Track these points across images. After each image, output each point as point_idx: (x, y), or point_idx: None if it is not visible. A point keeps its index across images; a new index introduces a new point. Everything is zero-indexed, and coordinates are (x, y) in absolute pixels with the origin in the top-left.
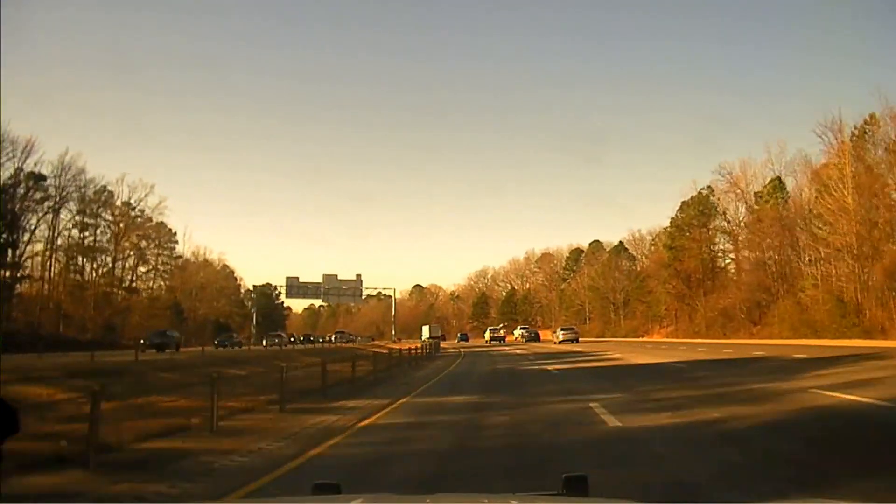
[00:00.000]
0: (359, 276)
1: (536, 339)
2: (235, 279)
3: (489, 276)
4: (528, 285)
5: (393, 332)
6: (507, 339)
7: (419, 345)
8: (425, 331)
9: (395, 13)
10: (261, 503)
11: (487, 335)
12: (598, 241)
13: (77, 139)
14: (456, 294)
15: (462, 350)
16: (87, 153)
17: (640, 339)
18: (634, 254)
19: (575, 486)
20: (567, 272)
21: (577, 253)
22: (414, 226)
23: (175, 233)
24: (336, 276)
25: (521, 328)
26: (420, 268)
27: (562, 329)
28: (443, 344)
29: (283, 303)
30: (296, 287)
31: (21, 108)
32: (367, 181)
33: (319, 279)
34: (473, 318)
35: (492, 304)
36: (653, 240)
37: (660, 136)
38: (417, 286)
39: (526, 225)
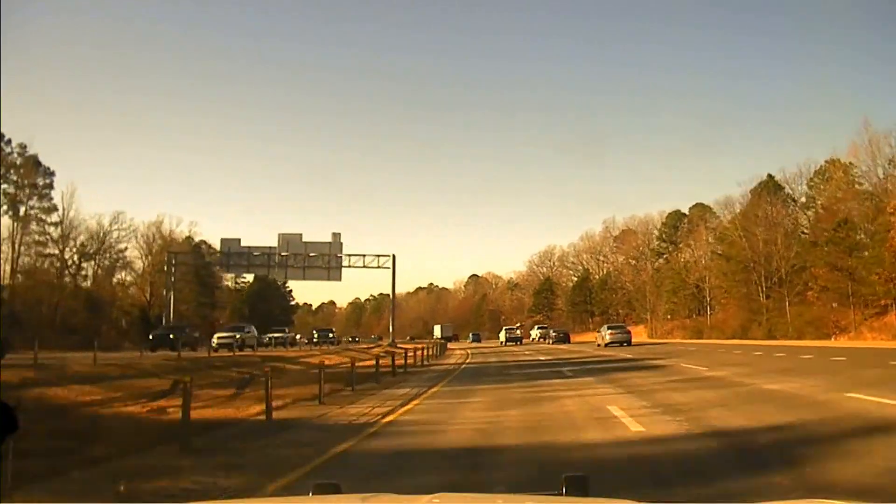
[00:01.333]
0: (336, 235)
1: (565, 340)
2: (202, 256)
3: (555, 257)
4: (608, 266)
5: (391, 330)
6: (523, 339)
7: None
8: (437, 330)
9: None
10: (261, 503)
11: (502, 336)
12: (701, 203)
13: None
14: (514, 282)
15: (469, 352)
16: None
17: (838, 344)
18: (795, 196)
19: (575, 487)
20: (663, 245)
21: (675, 218)
22: (465, 209)
23: (52, 172)
24: (299, 236)
25: (538, 327)
26: (476, 256)
27: (608, 327)
28: (452, 346)
29: (290, 291)
30: (235, 255)
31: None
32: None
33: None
34: (535, 309)
35: (559, 293)
36: (819, 170)
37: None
38: (473, 276)
39: (603, 193)
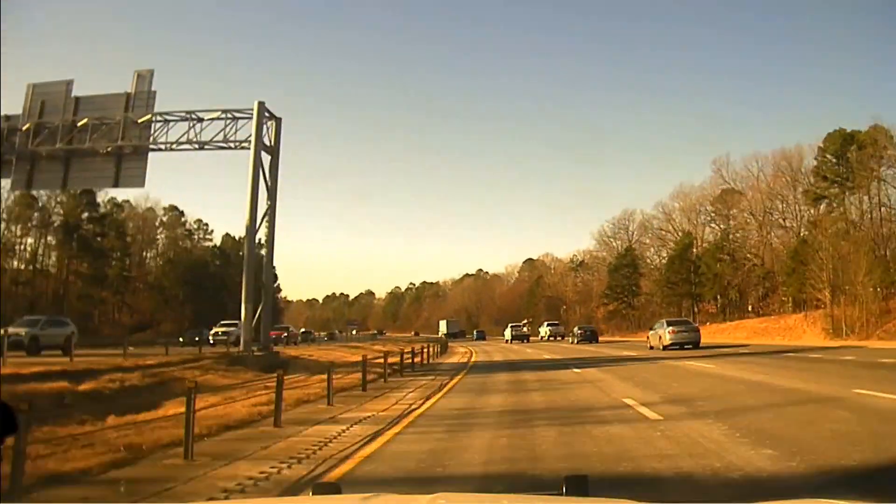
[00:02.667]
0: (144, 78)
1: (592, 339)
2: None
3: (635, 223)
4: (719, 226)
5: (243, 315)
6: (531, 338)
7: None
8: (442, 326)
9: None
10: (261, 503)
11: (508, 333)
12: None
13: None
14: (578, 261)
15: (461, 372)
16: None
17: None
18: None
19: (575, 486)
20: (821, 186)
21: (841, 142)
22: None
23: None
24: (66, 85)
25: (548, 324)
26: (533, 238)
27: (669, 323)
28: (455, 345)
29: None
30: None
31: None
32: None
33: None
34: (612, 294)
35: (644, 270)
36: None
37: None
38: (528, 260)
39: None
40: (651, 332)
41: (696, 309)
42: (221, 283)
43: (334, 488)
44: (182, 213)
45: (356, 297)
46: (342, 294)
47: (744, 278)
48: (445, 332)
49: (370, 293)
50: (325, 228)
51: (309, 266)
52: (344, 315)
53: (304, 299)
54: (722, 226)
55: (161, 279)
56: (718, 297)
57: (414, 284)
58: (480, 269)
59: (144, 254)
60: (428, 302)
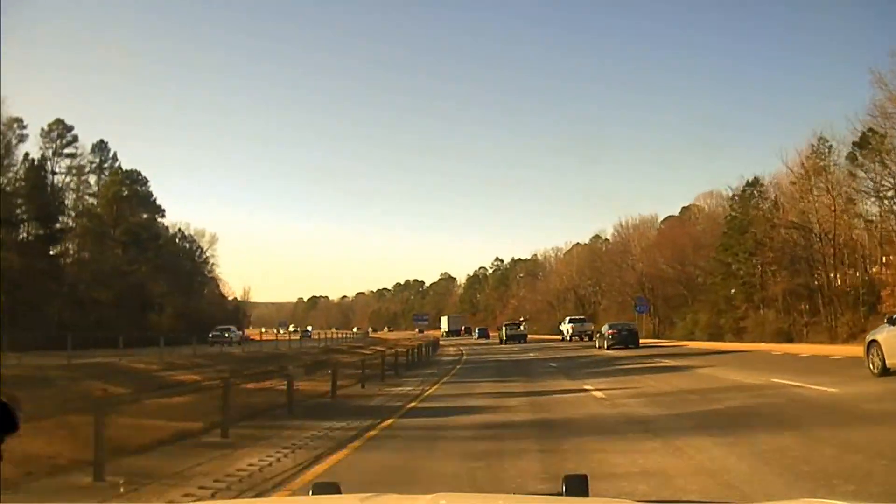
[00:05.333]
0: None
1: (629, 340)
2: None
3: None
4: None
5: None
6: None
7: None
8: (443, 323)
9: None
10: (261, 503)
11: (503, 332)
12: None
13: None
14: (783, 182)
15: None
16: None
17: None
18: None
19: (575, 486)
20: None
21: None
22: None
23: None
24: None
25: (570, 320)
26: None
27: None
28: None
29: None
30: None
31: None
32: None
33: None
34: None
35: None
36: None
37: None
38: (669, 218)
39: None
40: (885, 332)
41: None
42: None
43: (334, 488)
44: None
45: (432, 285)
46: (416, 281)
47: None
48: (446, 329)
49: (449, 278)
50: (398, 206)
51: (376, 253)
52: (415, 307)
53: (374, 290)
54: None
55: None
56: None
57: (501, 262)
58: (597, 236)
59: None
60: (521, 283)
